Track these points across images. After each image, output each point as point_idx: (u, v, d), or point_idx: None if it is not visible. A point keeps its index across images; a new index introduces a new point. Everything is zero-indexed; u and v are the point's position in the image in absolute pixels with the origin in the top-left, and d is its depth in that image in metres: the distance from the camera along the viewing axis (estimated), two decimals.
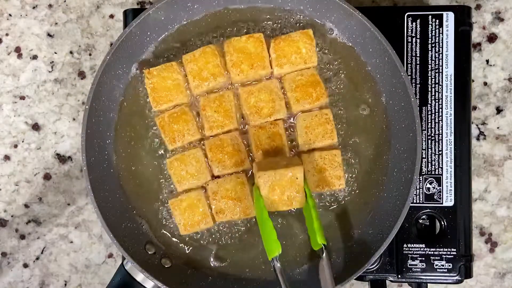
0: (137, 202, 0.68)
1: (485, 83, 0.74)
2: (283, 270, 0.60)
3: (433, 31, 0.68)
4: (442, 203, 0.68)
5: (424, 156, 0.68)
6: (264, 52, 0.65)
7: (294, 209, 0.65)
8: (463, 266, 0.67)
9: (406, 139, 0.64)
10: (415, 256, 0.67)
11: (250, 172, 0.67)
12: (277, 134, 0.65)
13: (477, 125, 0.74)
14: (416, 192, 0.68)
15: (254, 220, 0.67)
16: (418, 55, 0.68)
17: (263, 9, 0.68)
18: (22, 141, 0.76)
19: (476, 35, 0.74)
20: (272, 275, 0.66)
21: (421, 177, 0.68)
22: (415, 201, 0.68)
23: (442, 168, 0.68)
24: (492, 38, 0.74)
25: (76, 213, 0.76)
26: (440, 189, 0.68)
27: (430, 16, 0.68)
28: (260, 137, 0.65)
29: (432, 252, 0.67)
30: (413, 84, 0.68)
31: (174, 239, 0.68)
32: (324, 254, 0.60)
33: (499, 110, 0.74)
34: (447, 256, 0.67)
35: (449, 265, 0.67)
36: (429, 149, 0.68)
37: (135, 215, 0.68)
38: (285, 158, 0.65)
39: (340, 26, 0.67)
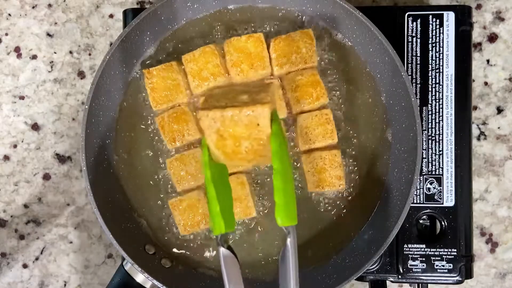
0: (137, 202, 0.68)
1: (486, 83, 0.74)
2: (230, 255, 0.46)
3: (434, 31, 0.68)
4: (442, 203, 0.68)
5: (424, 156, 0.68)
6: (264, 52, 0.65)
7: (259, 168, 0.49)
8: (464, 266, 0.67)
9: (406, 139, 0.64)
10: (415, 256, 0.67)
11: (249, 173, 0.67)
12: None
13: (477, 125, 0.74)
14: (417, 192, 0.68)
15: (254, 220, 0.67)
16: (418, 55, 0.68)
17: (263, 9, 0.68)
18: (22, 141, 0.76)
19: (477, 35, 0.74)
20: (272, 276, 0.66)
21: (421, 177, 0.68)
22: (415, 201, 0.68)
23: (442, 168, 0.68)
24: (492, 38, 0.74)
25: (75, 213, 0.76)
26: (440, 189, 0.68)
27: (430, 16, 0.68)
28: None
29: (433, 253, 0.67)
30: (414, 84, 0.68)
31: (174, 239, 0.68)
32: (289, 239, 0.46)
33: (499, 110, 0.74)
34: (447, 256, 0.67)
35: (450, 266, 0.67)
36: (430, 149, 0.68)
37: (135, 215, 0.68)
38: (251, 88, 0.45)
39: (340, 26, 0.67)
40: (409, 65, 0.68)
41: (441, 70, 0.68)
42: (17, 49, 0.76)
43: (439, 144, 0.68)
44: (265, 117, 0.41)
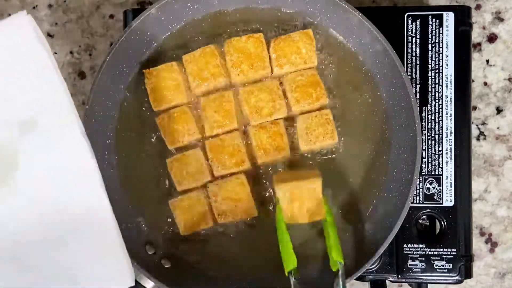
0: (137, 202, 0.68)
1: (485, 83, 0.74)
2: (297, 285, 0.59)
3: (433, 31, 0.68)
4: (442, 203, 0.68)
5: (424, 156, 0.68)
6: (264, 52, 0.65)
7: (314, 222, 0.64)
8: (463, 266, 0.67)
9: (406, 139, 0.64)
10: (415, 256, 0.67)
11: (250, 172, 0.67)
12: (278, 133, 0.65)
13: (477, 125, 0.74)
14: (416, 192, 0.68)
15: (255, 220, 0.67)
16: (418, 55, 0.68)
17: (263, 10, 0.68)
18: None
19: (476, 35, 0.74)
20: (271, 275, 0.67)
21: (421, 177, 0.68)
22: (415, 201, 0.68)
23: (442, 168, 0.68)
24: (492, 38, 0.74)
25: None
26: (440, 189, 0.68)
27: (430, 16, 0.68)
28: (261, 137, 0.65)
29: (432, 252, 0.67)
30: (413, 84, 0.68)
31: (174, 239, 0.68)
32: (340, 273, 0.59)
33: (499, 110, 0.74)
34: (447, 256, 0.67)
35: (449, 265, 0.67)
36: (429, 149, 0.68)
37: (135, 215, 0.68)
38: (303, 171, 0.65)
39: (340, 26, 0.67)
40: (409, 65, 0.69)
41: (440, 70, 0.68)
42: None
43: (438, 144, 0.68)
44: (319, 184, 0.61)
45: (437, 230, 0.69)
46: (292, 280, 0.59)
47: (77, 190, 0.50)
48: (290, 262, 0.59)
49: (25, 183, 0.50)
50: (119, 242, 0.51)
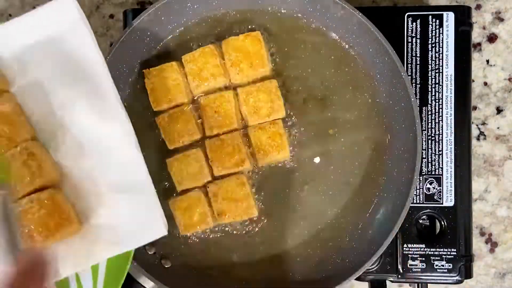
0: None
1: (485, 83, 0.74)
2: None
3: (433, 31, 0.68)
4: (442, 203, 0.68)
5: (424, 156, 0.68)
6: (262, 50, 0.65)
7: None
8: (463, 266, 0.67)
9: (406, 139, 0.64)
10: (415, 256, 0.67)
11: (251, 172, 0.67)
12: (277, 133, 0.65)
13: (477, 125, 0.74)
14: (416, 192, 0.68)
15: (254, 220, 0.67)
16: (418, 55, 0.68)
17: (263, 10, 0.68)
18: None
19: (476, 35, 0.74)
20: (271, 275, 0.67)
21: (421, 177, 0.68)
22: (415, 201, 0.68)
23: (442, 168, 0.68)
24: (492, 38, 0.74)
25: None
26: (440, 189, 0.68)
27: (430, 16, 0.68)
28: (260, 137, 0.65)
29: (432, 252, 0.67)
30: (413, 84, 0.68)
31: (174, 239, 0.68)
32: None
33: (499, 110, 0.74)
34: (447, 256, 0.67)
35: (449, 265, 0.67)
36: (429, 149, 0.68)
37: None
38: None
39: (340, 26, 0.67)
40: (409, 65, 0.69)
41: (440, 70, 0.68)
42: None
43: (438, 144, 0.68)
44: None
45: (437, 230, 0.69)
46: None
47: (117, 152, 0.57)
48: None
49: (72, 147, 0.56)
50: (154, 195, 0.56)
